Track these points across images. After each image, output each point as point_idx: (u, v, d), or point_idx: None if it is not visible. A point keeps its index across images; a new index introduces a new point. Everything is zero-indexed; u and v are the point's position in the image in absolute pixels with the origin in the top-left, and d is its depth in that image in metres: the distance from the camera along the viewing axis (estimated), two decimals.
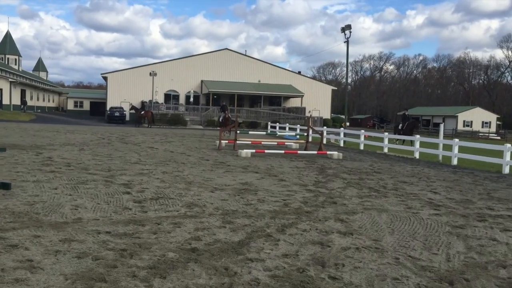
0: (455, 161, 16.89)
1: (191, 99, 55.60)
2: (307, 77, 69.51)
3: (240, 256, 4.84)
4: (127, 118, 50.42)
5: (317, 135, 21.79)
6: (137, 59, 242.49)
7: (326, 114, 60.59)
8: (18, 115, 47.00)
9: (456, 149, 17.02)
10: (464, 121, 77.41)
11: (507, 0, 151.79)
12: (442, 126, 20.64)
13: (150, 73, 51.51)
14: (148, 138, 23.98)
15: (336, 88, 72.49)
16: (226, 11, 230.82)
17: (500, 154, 15.77)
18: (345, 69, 56.88)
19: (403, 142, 24.09)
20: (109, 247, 4.92)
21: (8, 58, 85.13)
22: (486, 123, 78.66)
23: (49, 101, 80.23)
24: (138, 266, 4.37)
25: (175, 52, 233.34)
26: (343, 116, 58.71)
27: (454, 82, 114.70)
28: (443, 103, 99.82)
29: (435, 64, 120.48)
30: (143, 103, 45.94)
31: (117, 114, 49.10)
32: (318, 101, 60.69)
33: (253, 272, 4.38)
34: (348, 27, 50.94)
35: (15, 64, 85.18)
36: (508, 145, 15.25)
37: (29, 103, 63.16)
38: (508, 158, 14.81)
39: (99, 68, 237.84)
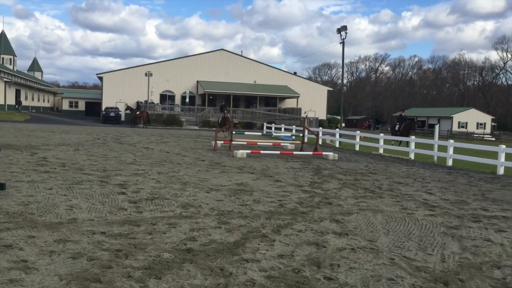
0: (450, 162, 16.95)
1: (187, 100, 55.53)
2: (303, 78, 69.60)
3: (235, 256, 4.84)
4: (123, 118, 50.27)
5: (313, 136, 21.81)
6: (132, 59, 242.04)
7: (322, 115, 60.67)
8: (13, 115, 46.80)
9: (451, 150, 17.08)
10: (459, 122, 77.73)
11: (502, 2, 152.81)
12: (437, 127, 20.74)
13: (146, 74, 51.43)
14: (143, 139, 23.93)
15: (331, 89, 72.64)
16: (222, 12, 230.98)
17: (494, 155, 15.84)
18: (341, 70, 57.06)
19: (400, 143, 24.12)
20: (104, 248, 4.90)
21: (2, 58, 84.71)
22: (481, 124, 79.02)
23: (44, 101, 79.93)
24: (133, 267, 4.36)
25: (171, 53, 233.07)
26: (338, 117, 58.79)
27: (449, 83, 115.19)
28: (438, 104, 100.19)
29: (430, 66, 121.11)
30: (138, 103, 45.84)
31: (112, 114, 48.96)
32: (313, 102, 60.76)
33: (249, 273, 4.38)
34: (344, 28, 51.03)
35: (10, 64, 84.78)
36: (503, 146, 15.32)
37: (24, 103, 62.90)
38: (502, 159, 14.88)
39: (94, 68, 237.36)
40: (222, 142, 19.95)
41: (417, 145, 20.13)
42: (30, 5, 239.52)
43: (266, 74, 60.28)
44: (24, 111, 58.46)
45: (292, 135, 27.22)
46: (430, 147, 19.82)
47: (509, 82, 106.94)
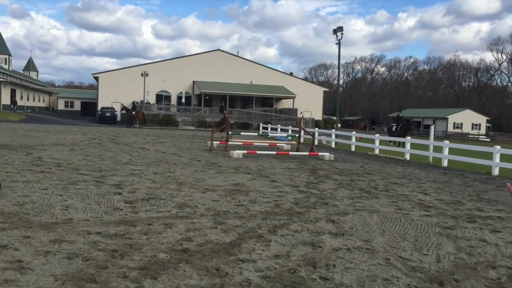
0: (445, 163, 17.01)
1: (183, 100, 55.45)
2: (299, 78, 69.64)
3: (231, 256, 4.84)
4: (119, 118, 50.14)
5: (309, 136, 21.84)
6: (128, 59, 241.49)
7: (318, 115, 60.75)
8: (8, 115, 46.60)
9: (446, 151, 17.14)
10: (454, 123, 77.99)
11: (497, 4, 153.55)
12: (432, 128, 20.78)
13: (142, 74, 51.32)
14: (139, 139, 23.88)
15: (327, 90, 72.69)
16: (218, 12, 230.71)
17: (489, 156, 15.91)
18: (337, 70, 57.10)
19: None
20: (99, 248, 4.89)
21: None
22: (476, 125, 79.30)
23: (39, 101, 79.65)
24: (129, 267, 4.36)
25: (167, 53, 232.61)
26: (334, 118, 58.87)
27: (445, 84, 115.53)
28: (434, 105, 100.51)
29: (425, 67, 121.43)
30: (134, 103, 45.74)
31: (108, 114, 48.81)
32: (309, 102, 60.82)
33: (245, 273, 4.38)
34: (340, 29, 51.04)
35: (5, 64, 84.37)
36: (498, 147, 15.39)
37: (19, 103, 62.66)
38: (497, 160, 14.94)
39: (90, 68, 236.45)
40: (218, 142, 19.95)
41: (413, 146, 20.19)
42: (26, 5, 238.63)
43: (262, 75, 60.29)
44: (19, 111, 58.25)
45: (288, 136, 27.23)
46: (426, 147, 19.89)
47: (504, 83, 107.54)
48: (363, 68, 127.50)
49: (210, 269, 4.43)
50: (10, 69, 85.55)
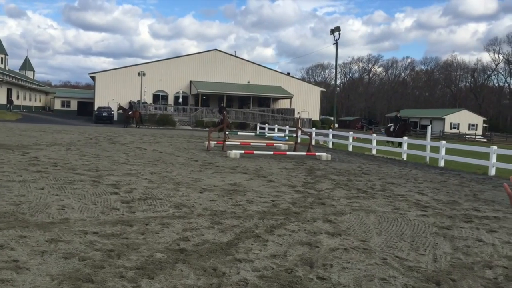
0: (442, 163, 17.04)
1: (180, 100, 55.40)
2: (296, 78, 69.65)
3: (228, 256, 4.84)
4: (115, 118, 50.06)
5: (306, 137, 21.84)
6: (125, 59, 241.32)
7: (315, 115, 60.79)
8: (4, 115, 46.43)
9: (443, 151, 17.17)
10: (451, 123, 78.19)
11: (494, 4, 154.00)
12: (429, 128, 20.81)
13: (139, 73, 51.26)
14: (136, 139, 23.85)
15: (325, 90, 72.78)
16: (216, 12, 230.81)
17: (486, 156, 15.95)
18: (334, 71, 57.15)
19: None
20: (96, 248, 4.88)
21: None
22: (472, 125, 79.53)
23: (35, 100, 79.40)
24: (125, 267, 4.34)
25: (164, 53, 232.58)
26: (332, 118, 58.92)
27: (442, 85, 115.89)
28: (431, 106, 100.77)
29: (422, 67, 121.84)
30: (131, 103, 45.67)
31: (105, 114, 48.72)
32: (307, 102, 60.86)
33: (242, 273, 4.37)
34: (337, 29, 51.12)
35: (1, 63, 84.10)
36: (494, 147, 15.43)
37: (16, 102, 62.47)
38: (494, 160, 14.98)
39: (87, 68, 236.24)
40: (215, 142, 19.94)
41: (410, 146, 20.22)
42: (23, 4, 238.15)
43: (260, 75, 60.30)
44: (15, 111, 58.06)
45: (285, 136, 27.25)
46: (423, 148, 19.91)
47: (501, 84, 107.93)
48: (360, 68, 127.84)
49: (207, 269, 4.42)
50: (7, 68, 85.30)
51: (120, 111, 45.25)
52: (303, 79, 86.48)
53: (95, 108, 52.41)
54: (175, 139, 25.61)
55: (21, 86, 70.10)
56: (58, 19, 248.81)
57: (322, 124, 57.61)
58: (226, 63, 59.25)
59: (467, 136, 63.68)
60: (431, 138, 20.34)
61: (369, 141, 22.44)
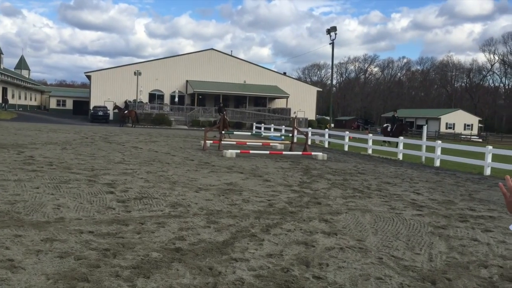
0: (437, 163, 17.10)
1: (176, 99, 55.32)
2: (292, 78, 69.69)
3: (224, 256, 4.83)
4: (111, 117, 49.94)
5: (302, 136, 21.86)
6: (121, 58, 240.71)
7: (311, 115, 60.84)
8: None
9: (438, 151, 17.23)
10: (446, 123, 78.43)
11: (490, 5, 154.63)
12: (425, 128, 20.89)
13: (135, 73, 51.12)
14: (132, 138, 23.80)
15: (321, 90, 72.83)
16: (212, 11, 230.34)
17: (481, 156, 16.01)
18: (330, 70, 57.21)
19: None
20: (92, 247, 4.87)
21: None
22: (468, 125, 79.80)
23: (31, 99, 79.13)
24: (121, 266, 4.33)
25: (160, 52, 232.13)
26: (328, 118, 58.97)
27: (437, 85, 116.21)
28: (426, 106, 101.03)
29: (418, 67, 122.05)
30: (126, 102, 45.54)
31: (100, 113, 48.58)
32: (303, 102, 60.90)
33: (238, 272, 4.37)
34: (334, 29, 51.08)
35: None
36: (490, 147, 15.49)
37: (11, 101, 62.22)
38: (489, 160, 15.04)
39: (82, 67, 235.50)
40: (211, 141, 19.92)
41: (405, 146, 20.27)
42: (18, 3, 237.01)
43: (256, 74, 60.29)
44: (10, 110, 57.83)
45: (281, 135, 27.25)
46: (418, 147, 19.98)
47: (496, 84, 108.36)
48: (356, 68, 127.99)
49: (203, 268, 4.41)
50: (2, 67, 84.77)
51: (116, 111, 45.14)
52: (299, 79, 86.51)
53: (91, 107, 52.24)
54: (171, 138, 25.57)
55: (16, 85, 69.81)
56: (54, 18, 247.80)
57: (318, 123, 57.67)
58: (223, 63, 59.21)
59: (462, 136, 63.88)
60: (426, 138, 20.41)
61: (365, 141, 22.48)
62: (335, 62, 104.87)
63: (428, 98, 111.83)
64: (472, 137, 66.41)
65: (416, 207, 8.20)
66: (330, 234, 5.96)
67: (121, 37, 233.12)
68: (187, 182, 9.73)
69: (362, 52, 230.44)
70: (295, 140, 20.76)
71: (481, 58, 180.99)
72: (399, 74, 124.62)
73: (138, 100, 51.86)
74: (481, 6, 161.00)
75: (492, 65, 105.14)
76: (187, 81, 57.34)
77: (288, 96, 57.55)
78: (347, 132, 25.59)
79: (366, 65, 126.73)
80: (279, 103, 59.55)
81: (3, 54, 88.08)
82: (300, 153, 18.03)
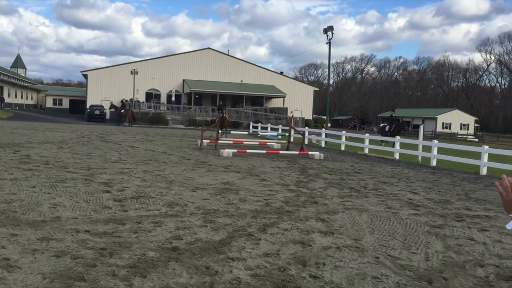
0: (434, 162, 17.13)
1: (173, 98, 55.28)
2: (289, 77, 69.77)
3: (221, 255, 4.83)
4: (108, 116, 49.85)
5: (299, 136, 21.87)
6: (118, 57, 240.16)
7: (308, 114, 60.89)
8: None
9: (435, 151, 17.26)
10: (443, 123, 78.61)
11: (486, 5, 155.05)
12: (421, 127, 20.92)
13: (131, 72, 51.05)
14: (129, 137, 23.75)
15: (318, 89, 72.91)
16: (209, 11, 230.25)
17: (478, 155, 16.05)
18: (327, 70, 57.27)
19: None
20: (88, 246, 4.85)
21: None
22: (464, 125, 80.00)
23: (27, 98, 78.88)
24: (118, 265, 4.32)
25: (157, 51, 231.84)
26: (324, 117, 59.06)
27: (434, 85, 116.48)
28: (423, 105, 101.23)
29: (415, 67, 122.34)
30: (123, 101, 45.46)
31: (97, 112, 48.47)
32: (300, 101, 60.96)
33: (234, 271, 4.37)
34: (330, 28, 51.27)
35: None
36: (486, 147, 15.54)
37: (7, 100, 61.99)
38: (485, 159, 15.08)
39: (79, 66, 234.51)
40: (208, 141, 19.91)
41: (402, 145, 20.31)
42: (14, 1, 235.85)
43: (253, 74, 60.31)
44: (7, 108, 57.63)
45: (278, 135, 27.26)
46: (415, 147, 20.01)
47: (492, 84, 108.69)
48: (353, 67, 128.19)
49: (200, 267, 4.41)
50: None
51: (112, 110, 45.06)
52: (296, 78, 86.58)
53: (87, 106, 52.15)
54: (167, 137, 25.54)
55: (13, 83, 69.56)
56: (50, 17, 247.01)
57: (315, 123, 57.71)
58: (219, 62, 59.20)
59: (459, 136, 64.07)
60: (423, 138, 20.45)
61: (362, 141, 22.51)
62: (332, 61, 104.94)
63: (424, 98, 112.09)
64: (468, 136, 66.63)
65: (413, 207, 8.21)
66: (326, 234, 5.96)
67: (117, 36, 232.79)
68: (183, 181, 9.72)
69: (359, 52, 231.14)
70: (292, 139, 20.76)
71: (478, 58, 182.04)
72: (395, 74, 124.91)
73: (135, 99, 51.80)
74: (477, 6, 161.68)
75: (488, 65, 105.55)
76: (184, 80, 57.30)
77: (285, 96, 57.59)
78: (344, 132, 25.62)
79: (363, 65, 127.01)
80: (276, 103, 59.59)
81: None
82: (297, 152, 18.04)
